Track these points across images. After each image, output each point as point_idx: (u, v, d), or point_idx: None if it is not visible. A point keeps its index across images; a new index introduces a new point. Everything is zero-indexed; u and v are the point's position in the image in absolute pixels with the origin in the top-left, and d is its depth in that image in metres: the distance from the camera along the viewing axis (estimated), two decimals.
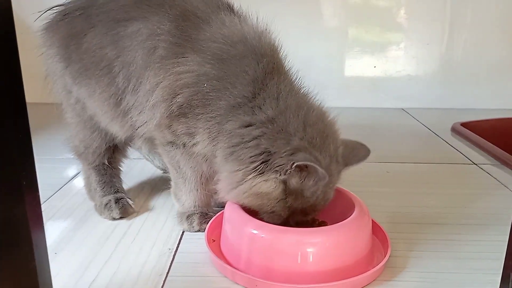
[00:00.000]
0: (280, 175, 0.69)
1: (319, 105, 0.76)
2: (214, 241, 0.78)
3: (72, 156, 0.97)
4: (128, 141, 0.95)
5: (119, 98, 0.81)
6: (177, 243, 0.81)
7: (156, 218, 0.90)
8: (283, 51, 0.79)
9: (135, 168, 1.15)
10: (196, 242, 0.80)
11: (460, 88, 1.88)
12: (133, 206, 0.91)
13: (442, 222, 0.90)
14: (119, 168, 0.99)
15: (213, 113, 0.73)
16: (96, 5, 0.83)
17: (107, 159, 0.95)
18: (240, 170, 0.71)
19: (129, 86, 0.79)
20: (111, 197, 0.91)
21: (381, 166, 1.21)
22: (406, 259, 0.76)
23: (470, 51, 1.86)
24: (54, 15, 0.88)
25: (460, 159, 1.29)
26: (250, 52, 0.73)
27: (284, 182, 0.70)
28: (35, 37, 0.90)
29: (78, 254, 0.77)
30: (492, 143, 1.33)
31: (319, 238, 0.69)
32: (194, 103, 0.73)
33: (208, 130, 0.74)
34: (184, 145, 0.79)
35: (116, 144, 0.94)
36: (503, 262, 0.54)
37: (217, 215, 0.81)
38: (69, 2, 0.87)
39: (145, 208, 0.95)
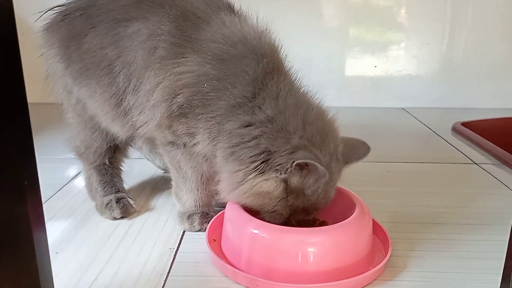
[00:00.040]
0: (280, 174, 0.69)
1: (318, 103, 0.76)
2: (215, 240, 0.78)
3: (73, 156, 0.97)
4: (129, 141, 0.95)
5: (119, 98, 0.81)
6: (178, 242, 0.81)
7: (157, 218, 0.91)
8: (283, 51, 0.79)
9: (136, 168, 1.15)
10: (197, 242, 0.80)
11: (460, 87, 1.88)
12: (134, 206, 0.91)
13: (443, 221, 0.90)
14: (120, 168, 0.99)
15: (213, 113, 0.73)
16: (97, 5, 0.83)
17: (108, 159, 0.95)
18: (241, 170, 0.71)
19: (130, 86, 0.79)
20: (112, 197, 0.91)
21: (382, 166, 1.21)
22: (407, 258, 0.76)
23: (470, 51, 1.86)
24: (54, 15, 0.88)
25: (461, 158, 1.29)
26: (250, 52, 0.73)
27: (285, 181, 0.70)
28: (36, 37, 0.90)
29: (79, 253, 0.77)
30: (492, 143, 1.33)
31: (320, 237, 0.69)
32: (194, 103, 0.74)
33: (208, 130, 0.74)
34: (184, 145, 0.79)
35: (117, 144, 0.94)
36: (504, 262, 0.54)
37: (218, 214, 0.82)
38: (69, 2, 0.87)
39: (146, 208, 0.95)
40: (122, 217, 0.89)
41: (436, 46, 1.86)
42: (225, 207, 0.78)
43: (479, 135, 1.41)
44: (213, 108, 0.73)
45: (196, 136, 0.76)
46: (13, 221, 0.42)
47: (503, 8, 1.80)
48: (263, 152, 0.70)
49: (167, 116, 0.76)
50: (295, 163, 0.67)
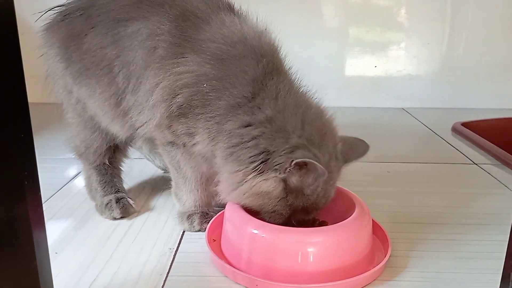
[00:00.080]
0: (279, 173, 0.69)
1: (317, 103, 0.76)
2: (214, 240, 0.78)
3: (73, 156, 0.97)
4: (128, 141, 0.95)
5: (119, 98, 0.81)
6: (178, 242, 0.81)
7: (157, 218, 0.91)
8: (283, 51, 0.79)
9: (136, 168, 1.15)
10: (197, 242, 0.80)
11: (460, 87, 1.88)
12: (134, 206, 0.91)
13: (443, 221, 0.90)
14: (120, 168, 0.99)
15: (212, 113, 0.73)
16: (97, 5, 0.83)
17: (107, 159, 0.95)
18: (240, 171, 0.71)
19: (129, 86, 0.79)
20: (112, 197, 0.91)
21: (382, 166, 1.21)
22: (407, 258, 0.76)
23: (470, 51, 1.86)
24: (54, 15, 0.88)
25: (461, 158, 1.29)
26: (249, 52, 0.73)
27: (284, 181, 0.70)
28: (36, 37, 0.90)
29: (79, 253, 0.77)
30: (492, 143, 1.33)
31: (320, 238, 0.69)
32: (194, 103, 0.74)
33: (208, 130, 0.74)
34: (184, 145, 0.79)
35: (116, 144, 0.95)
36: (503, 262, 0.54)
37: (217, 215, 0.82)
38: (69, 2, 0.87)
39: (146, 208, 0.95)
40: (122, 217, 0.89)
41: (436, 46, 1.86)
42: (224, 207, 0.78)
43: (479, 135, 1.41)
44: (213, 108, 0.73)
45: (195, 136, 0.76)
46: (13, 221, 0.42)
47: (503, 8, 1.80)
48: (262, 152, 0.70)
49: (166, 116, 0.76)
50: (294, 162, 0.67)
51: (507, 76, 1.86)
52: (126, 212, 0.90)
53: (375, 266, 0.70)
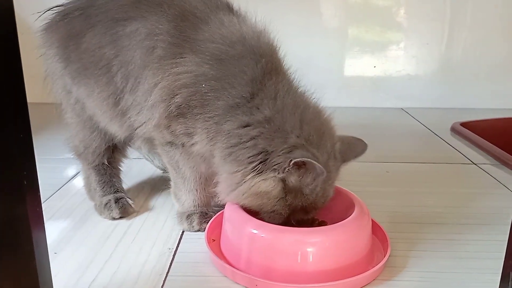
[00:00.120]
0: (278, 173, 0.69)
1: (315, 103, 0.76)
2: (214, 240, 0.78)
3: (71, 156, 0.97)
4: (127, 141, 0.95)
5: (117, 98, 0.81)
6: (177, 242, 0.81)
7: (156, 217, 0.90)
8: (282, 51, 0.79)
9: (135, 168, 1.15)
10: (196, 242, 0.80)
11: (459, 87, 1.88)
12: (133, 205, 0.91)
13: (442, 221, 0.90)
14: (119, 168, 0.99)
15: (211, 113, 0.73)
16: (95, 5, 0.83)
17: (106, 159, 0.95)
18: (239, 171, 0.71)
19: (128, 86, 0.79)
20: (111, 196, 0.91)
21: (381, 166, 1.21)
22: (406, 258, 0.76)
23: (470, 51, 1.86)
24: (53, 15, 0.88)
25: (460, 158, 1.29)
26: (248, 52, 0.73)
27: (283, 181, 0.70)
28: (36, 37, 0.90)
29: (78, 254, 0.77)
30: (491, 143, 1.33)
31: (319, 237, 0.69)
32: (193, 103, 0.74)
33: (207, 130, 0.74)
34: (183, 145, 0.79)
35: (115, 144, 0.94)
36: (503, 262, 0.54)
37: (217, 214, 0.82)
38: (68, 2, 0.87)
39: (145, 208, 0.95)
40: (121, 217, 0.89)
41: (436, 46, 1.86)
42: (224, 207, 0.78)
43: (478, 135, 1.41)
44: (211, 108, 0.73)
45: (194, 136, 0.76)
46: (12, 221, 0.42)
47: (503, 8, 1.80)
48: (261, 153, 0.70)
49: (165, 116, 0.76)
50: (292, 162, 0.67)
51: (506, 76, 1.86)
52: (125, 212, 0.90)
53: (374, 266, 0.70)
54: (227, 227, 0.76)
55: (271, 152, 0.70)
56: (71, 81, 0.87)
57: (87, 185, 0.97)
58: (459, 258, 0.76)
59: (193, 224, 0.83)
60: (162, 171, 1.10)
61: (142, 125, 0.80)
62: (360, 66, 1.89)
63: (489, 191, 1.07)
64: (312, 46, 1.84)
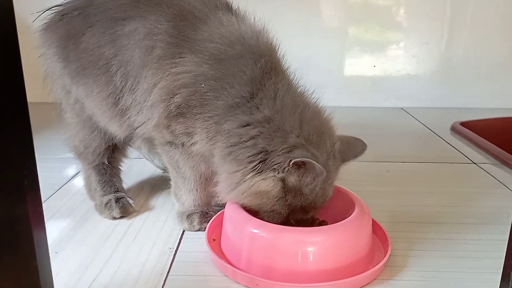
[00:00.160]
0: (278, 173, 0.69)
1: (314, 102, 0.76)
2: (214, 240, 0.78)
3: (72, 156, 0.97)
4: (127, 141, 0.95)
5: (117, 97, 0.81)
6: (178, 242, 0.81)
7: (157, 217, 0.91)
8: (281, 51, 0.79)
9: (135, 168, 1.15)
10: (197, 241, 0.80)
11: (459, 87, 1.88)
12: (133, 205, 0.91)
13: (442, 221, 0.90)
14: (119, 168, 0.99)
15: (211, 113, 0.73)
16: (94, 4, 0.83)
17: (106, 159, 0.95)
18: (239, 171, 0.71)
19: (127, 85, 0.79)
20: (111, 196, 0.91)
21: (381, 166, 1.21)
22: (406, 258, 0.76)
23: (470, 50, 1.86)
24: (52, 15, 0.88)
25: (460, 158, 1.29)
26: (247, 52, 0.73)
27: (283, 180, 0.70)
28: (35, 37, 0.90)
29: (78, 253, 0.77)
30: (491, 142, 1.33)
31: (320, 237, 0.69)
32: (192, 103, 0.74)
33: (206, 129, 0.74)
34: (182, 144, 0.79)
35: (115, 144, 0.94)
36: (503, 261, 0.54)
37: (217, 214, 0.82)
38: (67, 2, 0.87)
39: (145, 208, 0.95)
40: (121, 217, 0.89)
41: (435, 45, 1.86)
42: (224, 206, 0.78)
43: (478, 134, 1.42)
44: (211, 108, 0.73)
45: (194, 136, 0.76)
46: (13, 221, 0.42)
47: (503, 8, 1.80)
48: (261, 152, 0.70)
49: (165, 116, 0.76)
50: (292, 161, 0.67)
51: (506, 76, 1.87)
52: (125, 211, 0.90)
53: (375, 266, 0.70)
54: (227, 226, 0.76)
55: (271, 151, 0.70)
56: (70, 81, 0.87)
57: (88, 185, 0.97)
58: (459, 258, 0.77)
59: (193, 224, 0.83)
60: (162, 171, 1.10)
61: (141, 125, 0.80)
62: (360, 65, 1.89)
63: (489, 190, 1.07)
64: (312, 46, 1.84)
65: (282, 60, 0.78)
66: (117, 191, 0.93)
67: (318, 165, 0.66)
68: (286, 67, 0.78)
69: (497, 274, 0.55)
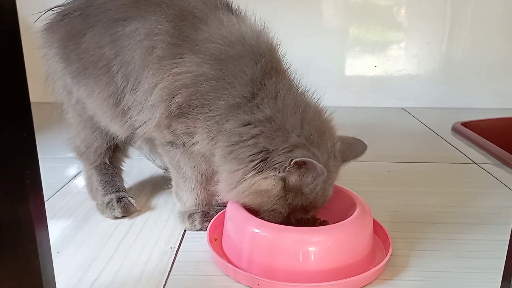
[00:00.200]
0: (279, 172, 0.69)
1: (315, 102, 0.76)
2: (216, 240, 0.78)
3: (73, 156, 0.97)
4: (128, 141, 0.95)
5: (118, 98, 0.81)
6: (179, 242, 0.81)
7: (158, 217, 0.91)
8: (282, 50, 0.79)
9: (136, 168, 1.15)
10: (198, 241, 0.80)
11: (460, 87, 1.88)
12: (135, 205, 0.91)
13: (443, 221, 0.90)
14: (121, 168, 0.99)
15: (211, 113, 0.73)
16: (95, 5, 0.83)
17: (108, 159, 0.95)
18: (239, 170, 0.71)
19: (128, 86, 0.79)
20: (113, 196, 0.91)
21: (382, 166, 1.21)
22: (407, 258, 0.76)
23: (471, 50, 1.86)
24: (53, 15, 0.88)
25: (461, 158, 1.29)
26: (248, 52, 0.73)
27: (283, 180, 0.70)
28: (36, 37, 0.90)
29: (80, 253, 0.77)
30: (492, 143, 1.33)
31: (321, 237, 0.69)
32: (193, 103, 0.74)
33: (207, 129, 0.74)
34: (183, 144, 0.79)
35: (117, 144, 0.95)
36: (504, 261, 0.54)
37: (218, 214, 0.82)
38: (68, 2, 0.87)
39: (147, 207, 0.95)
40: (123, 216, 0.89)
41: (436, 45, 1.86)
42: (225, 206, 0.78)
43: (479, 135, 1.41)
44: (212, 108, 0.73)
45: (195, 136, 0.77)
46: (15, 220, 0.42)
47: (503, 8, 1.80)
48: (262, 151, 0.70)
49: (166, 116, 0.76)
50: (293, 161, 0.68)
51: (507, 76, 1.86)
52: (127, 211, 0.90)
53: (376, 265, 0.70)
54: (229, 226, 0.76)
55: (272, 151, 0.70)
56: (71, 81, 0.87)
57: (89, 184, 0.97)
58: (460, 258, 0.77)
59: (195, 223, 0.84)
60: (163, 171, 1.10)
61: (142, 125, 0.80)
62: (360, 65, 1.89)
63: (490, 190, 1.07)
64: (313, 46, 1.84)
65: (282, 60, 0.78)
66: (118, 190, 0.93)
67: (319, 164, 0.66)
68: (286, 67, 0.78)
69: (498, 274, 0.55)
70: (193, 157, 0.81)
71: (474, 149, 1.35)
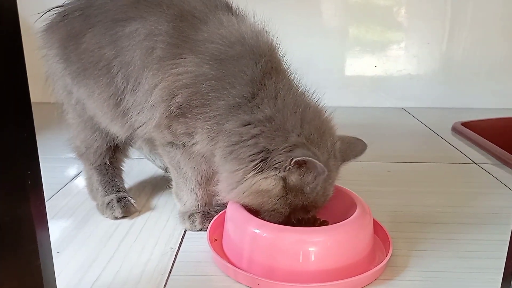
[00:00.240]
0: (279, 172, 0.69)
1: (315, 102, 0.77)
2: (216, 240, 0.78)
3: (73, 156, 0.97)
4: (129, 141, 0.95)
5: (118, 99, 0.81)
6: (179, 242, 0.81)
7: (158, 217, 0.91)
8: (281, 50, 0.79)
9: (137, 168, 1.15)
10: (198, 241, 0.80)
11: (460, 87, 1.88)
12: (135, 205, 0.91)
13: (443, 221, 0.90)
14: (121, 168, 0.99)
15: (211, 113, 0.73)
16: (95, 5, 0.83)
17: (108, 159, 0.95)
18: (240, 170, 0.71)
19: (128, 86, 0.79)
20: (113, 196, 0.91)
21: (382, 166, 1.21)
22: (407, 258, 0.76)
23: (471, 50, 1.86)
24: (53, 16, 0.88)
25: (461, 158, 1.29)
26: (248, 52, 0.73)
27: (284, 179, 0.70)
28: (36, 38, 0.90)
29: (80, 253, 0.77)
30: (492, 143, 1.33)
31: (321, 237, 0.69)
32: (193, 103, 0.74)
33: (208, 129, 0.74)
34: (183, 145, 0.80)
35: (117, 144, 0.95)
36: (505, 262, 0.54)
37: (219, 214, 0.82)
38: (68, 3, 0.87)
39: (147, 208, 0.95)
40: (123, 217, 0.89)
41: (436, 45, 1.86)
42: (226, 206, 0.78)
43: (479, 135, 1.42)
44: (212, 108, 0.73)
45: (195, 136, 0.77)
46: (16, 220, 0.42)
47: (503, 8, 1.80)
48: (262, 151, 0.70)
49: (166, 116, 0.76)
50: (293, 160, 0.68)
51: (507, 76, 1.86)
52: (127, 211, 0.90)
53: (376, 266, 0.70)
54: (229, 226, 0.76)
55: (272, 150, 0.70)
56: (71, 82, 0.87)
57: (89, 185, 0.97)
58: (460, 258, 0.77)
59: (195, 224, 0.84)
60: (164, 171, 1.10)
61: (142, 125, 0.80)
62: (360, 65, 1.89)
63: (490, 190, 1.07)
64: (313, 46, 1.84)
65: (282, 60, 0.78)
66: (118, 191, 0.93)
67: (320, 164, 0.66)
68: (286, 67, 0.78)
69: (499, 274, 0.55)
70: (193, 158, 0.81)
71: (474, 149, 1.35)
